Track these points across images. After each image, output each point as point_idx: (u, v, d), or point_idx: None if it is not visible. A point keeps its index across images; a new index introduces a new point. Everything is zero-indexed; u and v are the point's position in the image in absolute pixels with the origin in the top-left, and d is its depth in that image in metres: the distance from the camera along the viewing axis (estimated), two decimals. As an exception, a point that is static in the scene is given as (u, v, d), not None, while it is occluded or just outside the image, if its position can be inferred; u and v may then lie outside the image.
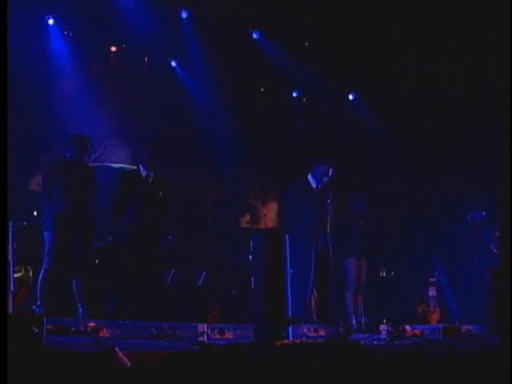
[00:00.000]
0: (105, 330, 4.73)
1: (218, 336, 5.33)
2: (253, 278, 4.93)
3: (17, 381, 3.03)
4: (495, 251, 9.05)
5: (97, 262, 7.40)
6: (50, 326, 4.11)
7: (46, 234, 6.63)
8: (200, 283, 8.54)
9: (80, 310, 6.53)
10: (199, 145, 10.28)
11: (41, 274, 6.55)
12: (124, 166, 8.90)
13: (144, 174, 7.16)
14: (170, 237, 7.73)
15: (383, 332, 6.21)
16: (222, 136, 10.23)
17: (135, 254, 6.90)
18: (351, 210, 8.84)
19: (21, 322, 3.33)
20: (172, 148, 9.10)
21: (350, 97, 11.44)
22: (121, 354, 3.28)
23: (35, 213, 7.42)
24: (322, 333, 6.33)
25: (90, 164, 7.06)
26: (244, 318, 6.90)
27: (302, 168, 8.26)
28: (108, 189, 7.23)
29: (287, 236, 5.08)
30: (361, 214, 8.80)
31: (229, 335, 5.43)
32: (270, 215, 11.32)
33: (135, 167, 7.39)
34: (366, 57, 10.04)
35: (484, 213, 9.39)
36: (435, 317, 8.11)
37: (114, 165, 8.90)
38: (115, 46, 9.97)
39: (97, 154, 8.67)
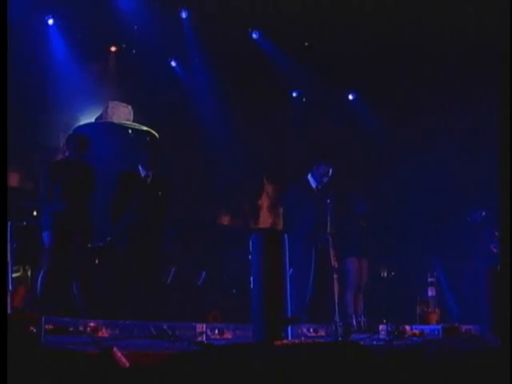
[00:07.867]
0: (104, 329, 4.72)
1: (218, 336, 5.31)
2: (252, 278, 4.92)
3: (16, 381, 3.03)
4: (495, 251, 9.04)
5: (97, 262, 7.40)
6: (49, 326, 4.11)
7: (45, 233, 6.62)
8: (200, 283, 8.54)
9: (80, 309, 6.52)
10: (199, 145, 10.28)
11: (40, 274, 6.54)
12: (125, 123, 9.18)
13: (143, 174, 7.15)
14: (173, 232, 7.74)
15: (383, 332, 6.20)
16: (222, 136, 10.23)
17: (134, 254, 6.90)
18: (352, 211, 8.82)
19: (19, 322, 3.32)
20: (171, 148, 9.10)
21: (350, 97, 11.44)
22: (119, 354, 3.27)
23: (35, 213, 7.43)
24: (322, 333, 6.32)
25: (94, 121, 7.14)
26: (243, 318, 6.89)
27: (301, 168, 8.25)
28: (109, 145, 7.35)
29: (287, 236, 5.07)
30: (362, 215, 8.78)
31: (228, 335, 5.42)
32: (269, 215, 11.32)
33: (136, 125, 7.45)
34: (366, 57, 10.03)
35: (484, 213, 9.38)
36: (435, 317, 8.08)
37: (116, 121, 9.15)
38: (115, 45, 9.98)
39: (100, 113, 8.93)
